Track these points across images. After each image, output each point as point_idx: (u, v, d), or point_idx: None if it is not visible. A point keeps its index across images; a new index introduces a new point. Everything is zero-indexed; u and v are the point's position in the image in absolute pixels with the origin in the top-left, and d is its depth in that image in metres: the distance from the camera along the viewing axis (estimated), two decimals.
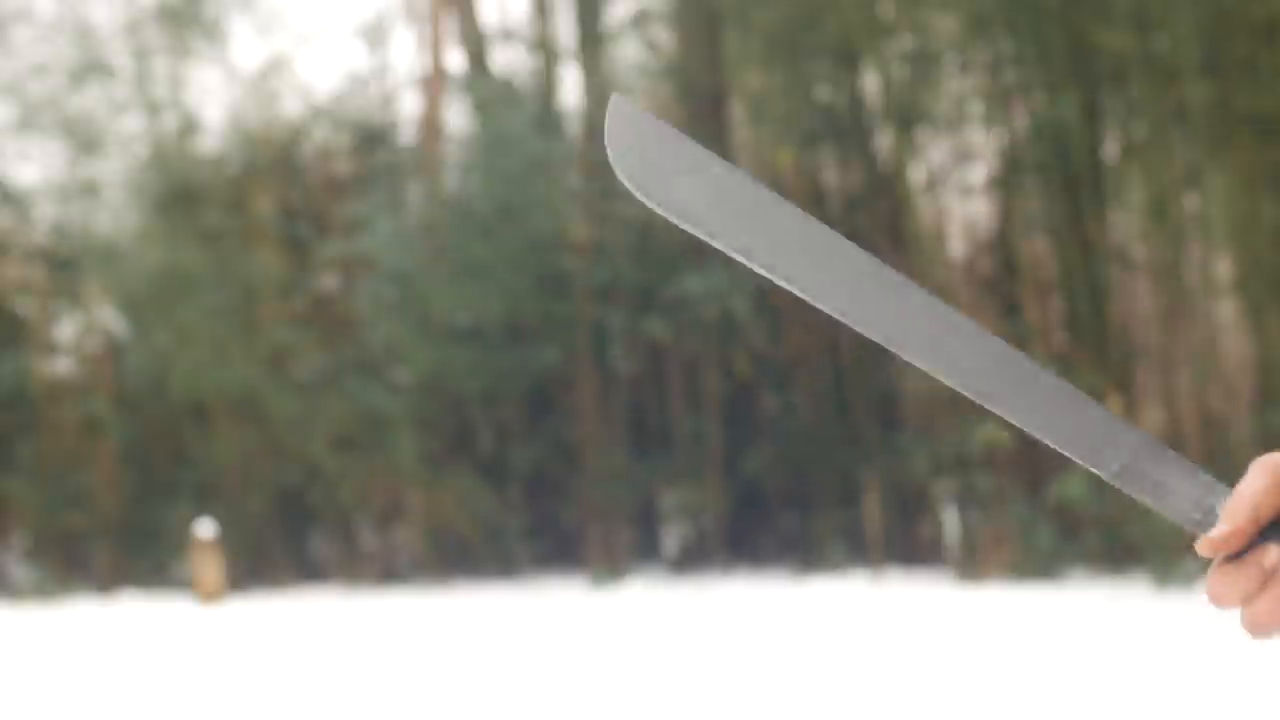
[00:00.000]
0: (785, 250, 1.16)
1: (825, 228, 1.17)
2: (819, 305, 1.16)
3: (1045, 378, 1.16)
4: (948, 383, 1.16)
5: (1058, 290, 17.43)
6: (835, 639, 11.29)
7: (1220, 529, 1.13)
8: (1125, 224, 17.72)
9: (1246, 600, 1.14)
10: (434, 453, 18.83)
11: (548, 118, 19.90)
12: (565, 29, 20.57)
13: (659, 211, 1.16)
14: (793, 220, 1.16)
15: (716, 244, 1.16)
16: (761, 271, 1.16)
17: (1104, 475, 1.16)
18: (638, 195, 1.15)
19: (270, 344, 19.32)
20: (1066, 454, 1.17)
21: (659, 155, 1.15)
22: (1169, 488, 1.17)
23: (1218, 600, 1.15)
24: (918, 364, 1.17)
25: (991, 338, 1.16)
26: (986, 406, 1.17)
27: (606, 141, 1.15)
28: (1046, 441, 1.17)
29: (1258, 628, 1.13)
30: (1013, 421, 1.16)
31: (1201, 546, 1.15)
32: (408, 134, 21.13)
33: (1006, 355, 1.16)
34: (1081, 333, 16.73)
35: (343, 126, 20.75)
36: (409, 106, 21.70)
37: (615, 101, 1.15)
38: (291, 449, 19.08)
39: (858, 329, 1.17)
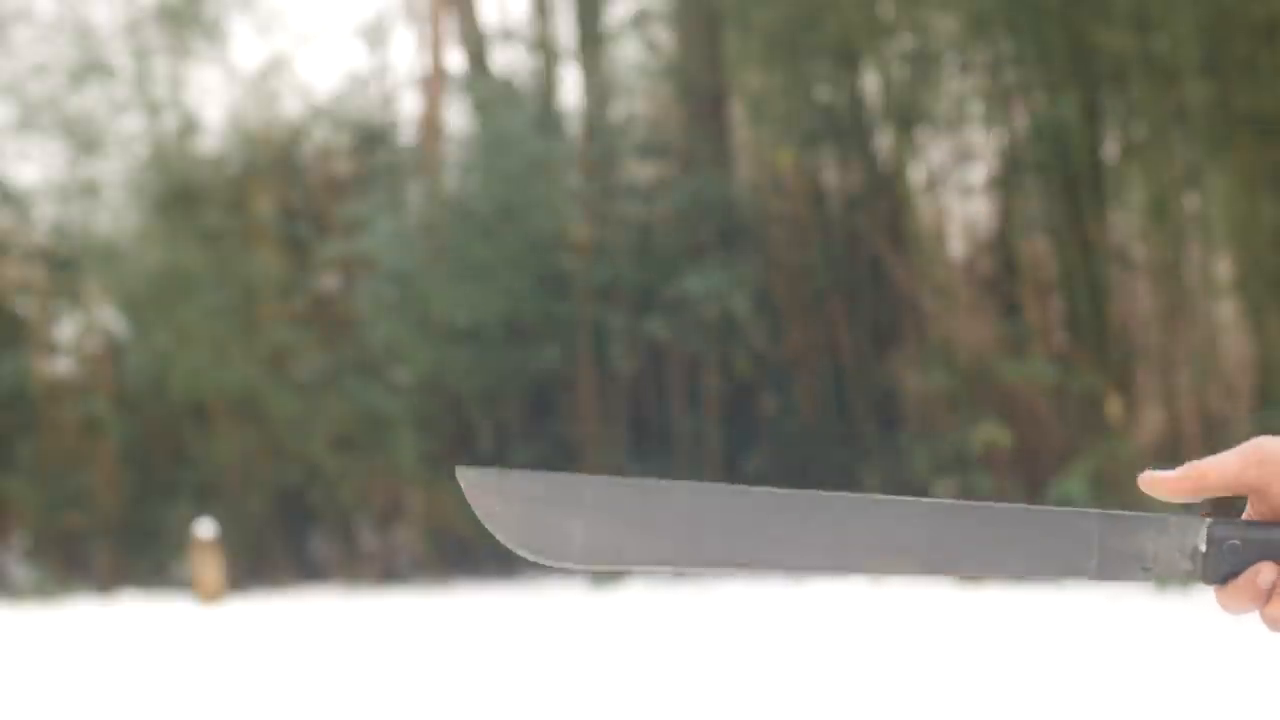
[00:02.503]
0: (704, 538, 1.09)
1: (721, 486, 1.11)
2: (757, 575, 1.09)
3: (994, 516, 1.12)
4: (906, 574, 1.11)
5: (1058, 290, 17.42)
6: (835, 639, 11.29)
7: (1165, 474, 1.16)
8: (1125, 224, 17.71)
9: (1255, 610, 1.15)
10: (434, 453, 18.82)
11: (548, 118, 19.89)
12: (565, 29, 20.58)
13: (558, 566, 1.10)
14: (693, 495, 1.09)
15: (635, 568, 1.10)
16: (695, 572, 1.10)
17: (1088, 579, 1.15)
18: (537, 560, 1.10)
19: (270, 344, 19.32)
20: (1043, 578, 1.15)
21: (531, 508, 1.08)
22: (1149, 553, 1.16)
23: (1230, 613, 1.16)
24: (872, 574, 1.12)
25: (916, 505, 1.11)
26: (947, 575, 1.13)
27: (482, 519, 1.10)
28: (1018, 577, 1.14)
29: (1275, 626, 1.15)
30: (983, 576, 1.13)
31: (1142, 481, 1.17)
32: (408, 134, 21.13)
33: (949, 514, 1.12)
34: (1081, 333, 16.72)
35: (343, 126, 20.74)
36: (409, 106, 21.70)
37: (461, 473, 1.10)
38: (291, 449, 19.07)
39: (793, 575, 1.10)
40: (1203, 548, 1.16)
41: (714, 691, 8.62)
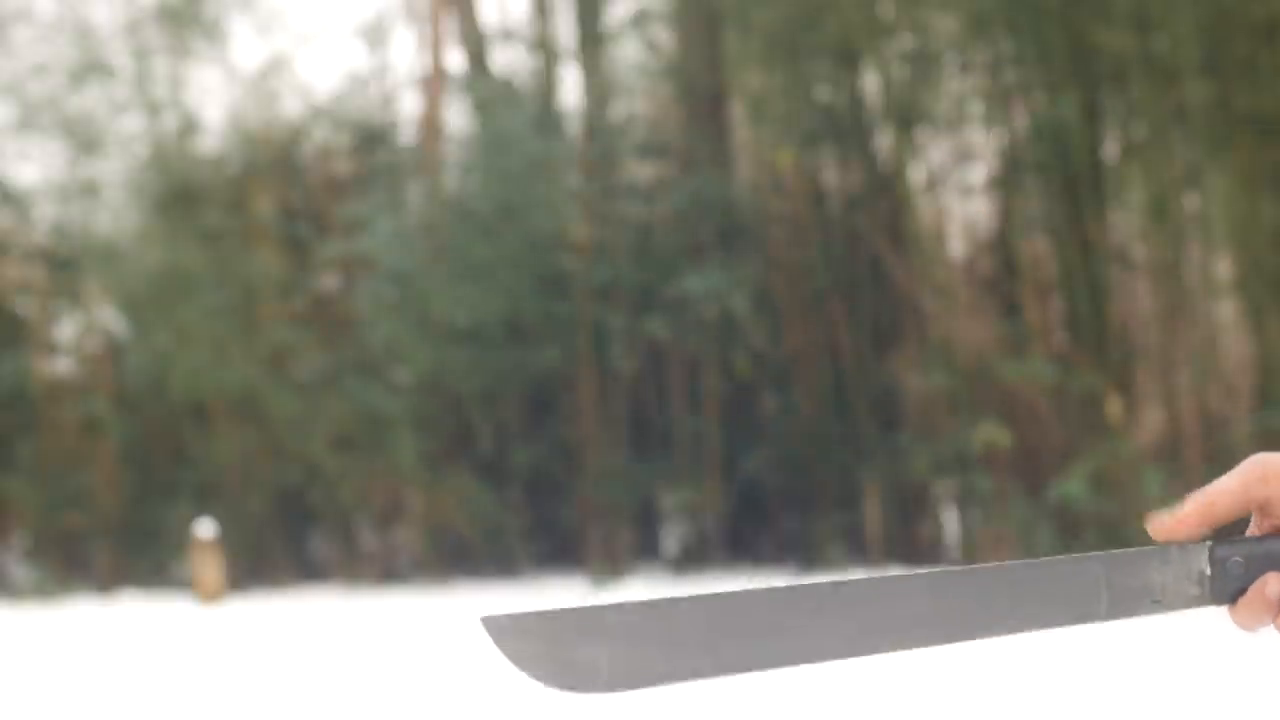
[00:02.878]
0: (723, 646, 1.12)
1: (733, 594, 1.13)
2: (773, 670, 1.13)
3: (989, 580, 1.14)
4: (922, 648, 1.13)
5: (1058, 290, 17.42)
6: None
7: (1171, 515, 1.15)
8: (1125, 224, 17.71)
9: (1268, 623, 1.16)
10: (434, 453, 18.82)
11: (548, 118, 19.89)
12: (565, 29, 20.58)
13: (584, 693, 1.14)
14: (707, 607, 1.12)
15: (662, 685, 1.14)
16: (718, 677, 1.13)
17: (1100, 620, 1.18)
18: (562, 691, 1.14)
19: (270, 344, 19.31)
20: (1058, 626, 1.18)
21: (558, 644, 1.13)
22: (1156, 585, 1.17)
23: (1247, 630, 1.17)
24: (892, 651, 1.14)
25: (927, 579, 1.13)
26: (965, 641, 1.15)
27: (511, 661, 1.14)
28: (1036, 629, 1.16)
29: None
30: (1003, 635, 1.15)
31: (1152, 530, 1.16)
32: (408, 134, 21.13)
33: (962, 583, 1.14)
34: (1081, 333, 16.72)
35: (343, 126, 20.74)
36: (409, 106, 21.70)
37: (486, 622, 1.14)
38: (291, 449, 19.07)
39: (812, 664, 1.13)
40: (1208, 571, 1.17)
41: (714, 692, 8.62)
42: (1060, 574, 1.16)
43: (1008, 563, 1.15)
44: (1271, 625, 1.16)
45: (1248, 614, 1.16)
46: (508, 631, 1.14)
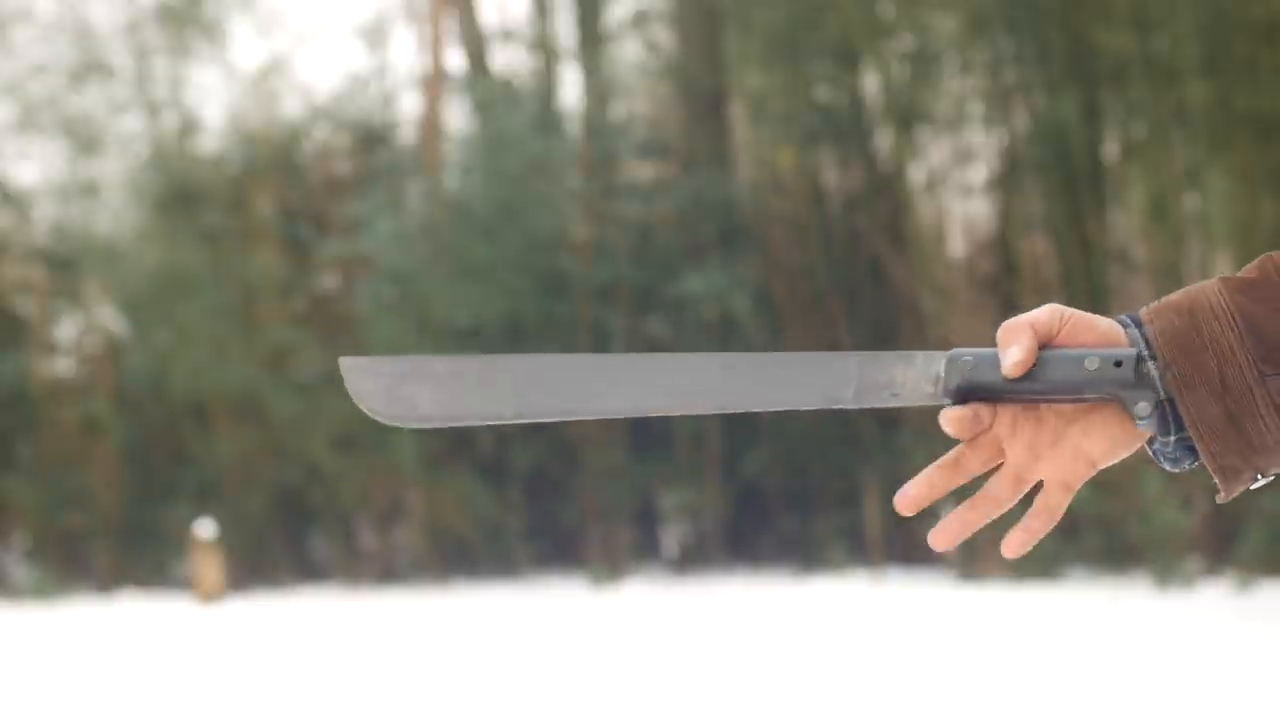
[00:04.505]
0: (530, 395, 1.30)
1: (541, 359, 1.31)
2: (572, 418, 1.30)
3: (768, 363, 1.30)
4: (699, 412, 1.30)
5: (1058, 290, 17.41)
6: (835, 639, 11.29)
7: (1009, 351, 1.28)
8: (1125, 224, 17.71)
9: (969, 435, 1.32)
10: (434, 453, 18.83)
11: (548, 118, 19.89)
12: (565, 29, 20.58)
13: (409, 427, 1.31)
14: (520, 363, 1.30)
15: (473, 423, 1.31)
16: (519, 421, 1.31)
17: (847, 406, 1.30)
18: (391, 423, 1.31)
19: (270, 344, 19.32)
20: (812, 408, 1.30)
21: (392, 382, 1.30)
22: (897, 382, 1.29)
23: (950, 433, 1.34)
24: (670, 414, 1.30)
25: (713, 359, 1.30)
26: (735, 412, 1.30)
27: (354, 396, 1.31)
28: (795, 408, 1.30)
29: (1023, 469, 1.35)
30: (765, 410, 1.29)
31: (1007, 371, 1.29)
32: (408, 134, 21.13)
33: (732, 364, 1.30)
34: None
35: (343, 126, 20.74)
36: (409, 106, 21.70)
37: (342, 362, 1.32)
38: (291, 449, 19.07)
39: (611, 417, 1.31)
40: (942, 372, 1.29)
41: (715, 692, 8.62)
42: (819, 364, 1.29)
43: (780, 353, 1.31)
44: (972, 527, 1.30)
45: (955, 419, 1.31)
46: (356, 372, 1.31)
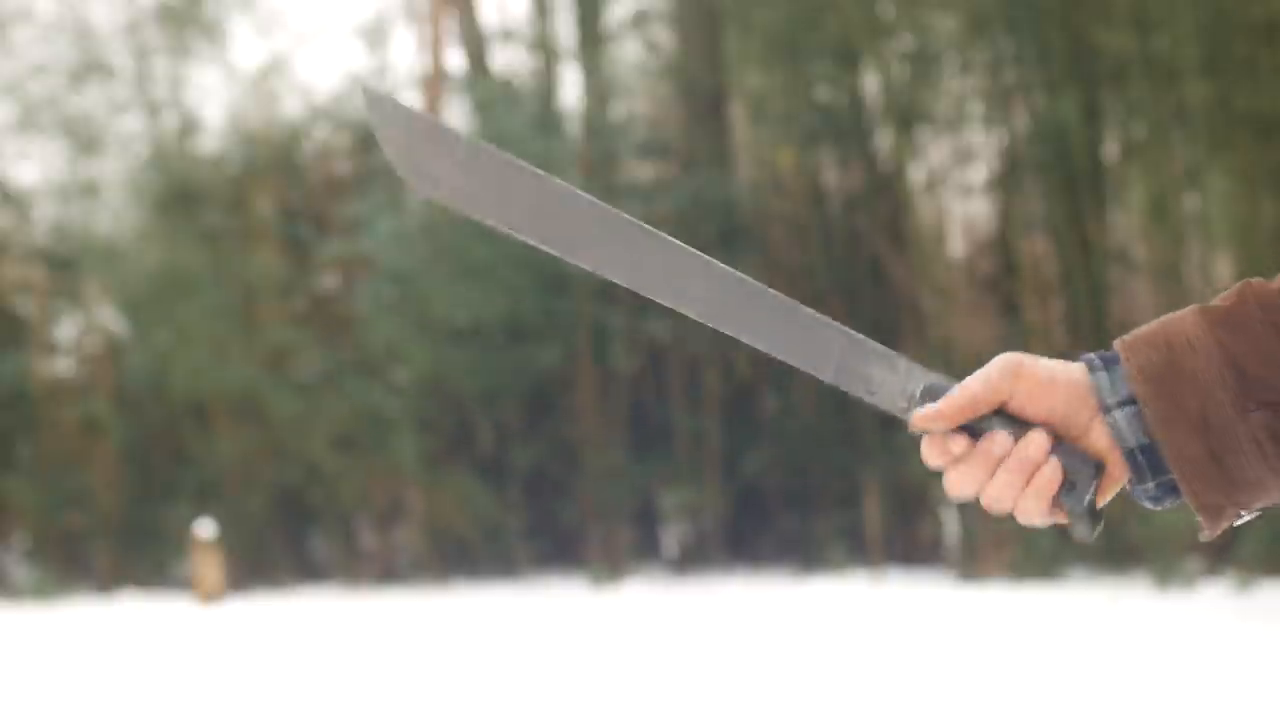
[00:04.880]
0: (538, 214, 1.33)
1: (564, 186, 1.33)
2: (570, 259, 1.35)
3: (766, 298, 1.31)
4: (685, 312, 1.33)
5: (1058, 290, 17.42)
6: (835, 639, 11.29)
7: (931, 408, 1.29)
8: (1125, 224, 17.71)
9: (981, 485, 1.28)
10: (434, 453, 18.83)
11: (548, 118, 19.89)
12: (565, 29, 20.58)
13: (425, 195, 1.32)
14: (540, 185, 1.32)
15: (478, 217, 1.33)
16: (516, 235, 1.34)
17: (825, 379, 1.32)
18: (409, 181, 1.31)
19: (270, 344, 19.32)
20: (791, 363, 1.33)
21: (421, 141, 1.30)
22: (876, 381, 1.31)
23: (956, 493, 1.30)
24: (658, 299, 1.34)
25: (719, 268, 1.32)
26: (718, 328, 1.33)
27: (377, 136, 1.30)
28: (772, 353, 1.32)
29: (993, 505, 1.29)
30: (744, 340, 1.32)
31: (913, 423, 1.30)
32: None
33: (732, 281, 1.32)
34: (1081, 333, 16.72)
35: (343, 126, 20.74)
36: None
37: (369, 94, 1.30)
38: (291, 449, 19.07)
39: (602, 274, 1.36)
40: (917, 394, 1.30)
41: (715, 691, 8.62)
42: (810, 326, 1.31)
43: (778, 294, 1.32)
44: (975, 479, 1.29)
45: (968, 466, 1.29)
46: (387, 113, 1.30)
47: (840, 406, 18.42)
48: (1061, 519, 1.30)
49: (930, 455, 1.30)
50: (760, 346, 1.32)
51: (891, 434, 17.72)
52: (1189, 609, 12.52)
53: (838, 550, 17.50)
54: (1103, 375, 1.30)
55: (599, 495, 18.73)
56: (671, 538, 19.96)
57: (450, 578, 18.78)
